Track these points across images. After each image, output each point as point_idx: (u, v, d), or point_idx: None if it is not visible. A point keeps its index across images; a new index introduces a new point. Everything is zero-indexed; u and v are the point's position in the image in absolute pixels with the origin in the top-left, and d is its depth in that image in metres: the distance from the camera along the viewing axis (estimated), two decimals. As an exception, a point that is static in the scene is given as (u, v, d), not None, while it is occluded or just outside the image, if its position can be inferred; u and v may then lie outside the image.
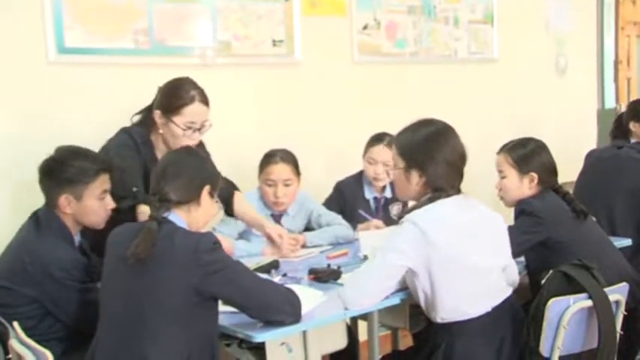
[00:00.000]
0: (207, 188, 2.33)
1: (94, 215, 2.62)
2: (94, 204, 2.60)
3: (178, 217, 2.27)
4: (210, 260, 2.16)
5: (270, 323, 2.24)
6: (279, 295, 2.24)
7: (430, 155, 2.48)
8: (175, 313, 2.14)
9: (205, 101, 2.93)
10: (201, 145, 3.02)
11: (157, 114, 2.90)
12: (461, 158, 2.53)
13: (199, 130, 2.91)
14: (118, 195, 2.69)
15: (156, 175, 2.31)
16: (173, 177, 2.28)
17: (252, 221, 3.18)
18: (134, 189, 2.79)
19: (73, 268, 2.50)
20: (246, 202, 3.21)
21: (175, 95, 2.89)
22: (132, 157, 2.89)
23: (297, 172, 3.41)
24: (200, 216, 2.33)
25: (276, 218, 3.40)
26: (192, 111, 2.87)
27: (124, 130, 2.96)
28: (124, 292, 2.20)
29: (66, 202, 2.57)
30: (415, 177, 2.50)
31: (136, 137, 2.94)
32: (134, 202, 2.78)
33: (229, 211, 3.17)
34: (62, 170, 2.57)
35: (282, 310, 2.22)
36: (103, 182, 2.63)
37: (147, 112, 3.00)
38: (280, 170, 3.35)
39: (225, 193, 3.08)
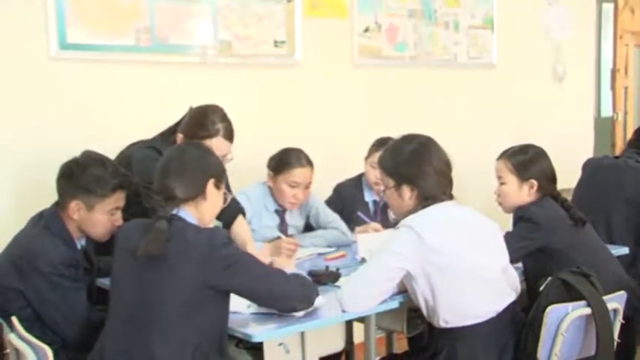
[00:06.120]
0: (212, 181, 2.32)
1: (100, 228, 2.57)
2: (102, 218, 2.55)
3: (188, 213, 2.26)
4: (226, 255, 2.17)
5: (284, 312, 2.27)
6: (289, 282, 2.28)
7: (418, 168, 2.51)
8: (187, 306, 2.14)
9: (229, 136, 2.90)
10: None
11: (179, 137, 2.88)
12: (447, 165, 2.57)
13: None
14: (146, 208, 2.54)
15: (159, 173, 2.29)
16: (177, 173, 2.27)
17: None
18: None
19: (62, 264, 2.46)
20: (245, 229, 3.10)
21: (200, 125, 2.86)
22: None
23: None
24: (208, 210, 2.33)
25: (281, 213, 3.43)
26: (213, 145, 2.80)
27: (149, 146, 2.89)
28: (135, 286, 2.20)
29: (76, 208, 2.52)
30: (407, 192, 2.52)
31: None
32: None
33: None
34: (81, 176, 2.52)
35: (293, 296, 2.25)
36: (118, 199, 2.58)
37: (173, 128, 2.96)
38: (306, 174, 3.38)
39: (231, 215, 3.04)
